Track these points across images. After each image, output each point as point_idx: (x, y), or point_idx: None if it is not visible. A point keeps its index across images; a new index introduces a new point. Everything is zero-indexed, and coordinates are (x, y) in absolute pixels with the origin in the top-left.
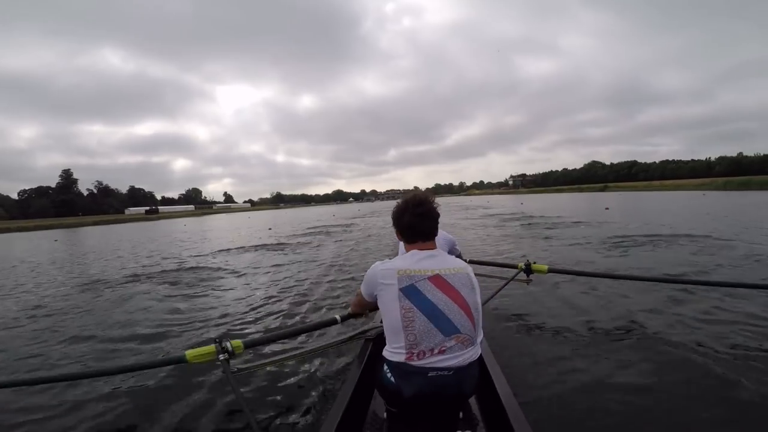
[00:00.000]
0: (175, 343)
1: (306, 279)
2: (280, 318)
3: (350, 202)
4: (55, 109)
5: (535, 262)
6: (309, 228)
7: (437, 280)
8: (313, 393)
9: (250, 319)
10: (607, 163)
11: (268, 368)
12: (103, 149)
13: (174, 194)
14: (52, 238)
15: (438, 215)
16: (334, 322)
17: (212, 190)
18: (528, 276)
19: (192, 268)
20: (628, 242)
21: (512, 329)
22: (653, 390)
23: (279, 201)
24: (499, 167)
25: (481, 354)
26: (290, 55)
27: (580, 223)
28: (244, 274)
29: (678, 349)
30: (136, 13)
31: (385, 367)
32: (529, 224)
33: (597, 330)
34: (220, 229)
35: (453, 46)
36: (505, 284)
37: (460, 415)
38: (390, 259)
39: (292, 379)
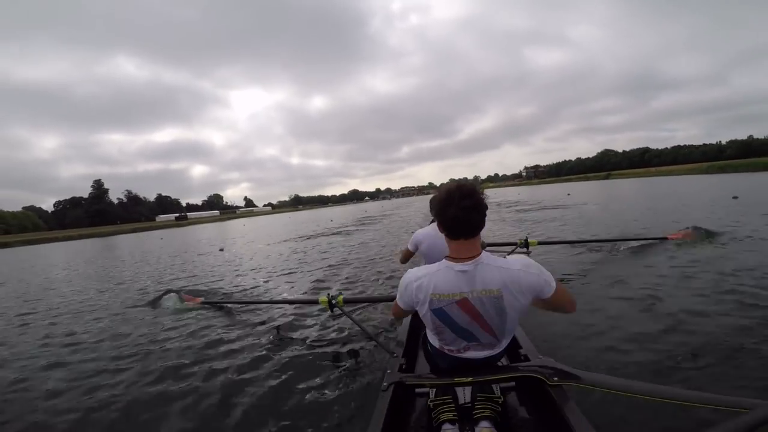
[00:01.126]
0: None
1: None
2: (374, 283)
3: (366, 201)
4: (74, 119)
5: (528, 238)
6: (360, 218)
7: (464, 303)
8: (387, 332)
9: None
10: (620, 150)
11: (353, 315)
12: (124, 158)
13: (196, 200)
14: (131, 241)
15: (486, 207)
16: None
17: (231, 195)
18: (527, 249)
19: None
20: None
21: None
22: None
23: (297, 203)
24: (514, 158)
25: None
26: (300, 57)
27: (526, 203)
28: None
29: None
30: (148, 20)
31: (429, 340)
32: (498, 204)
33: (580, 282)
34: (282, 224)
35: (462, 41)
36: (511, 253)
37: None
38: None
39: (372, 318)
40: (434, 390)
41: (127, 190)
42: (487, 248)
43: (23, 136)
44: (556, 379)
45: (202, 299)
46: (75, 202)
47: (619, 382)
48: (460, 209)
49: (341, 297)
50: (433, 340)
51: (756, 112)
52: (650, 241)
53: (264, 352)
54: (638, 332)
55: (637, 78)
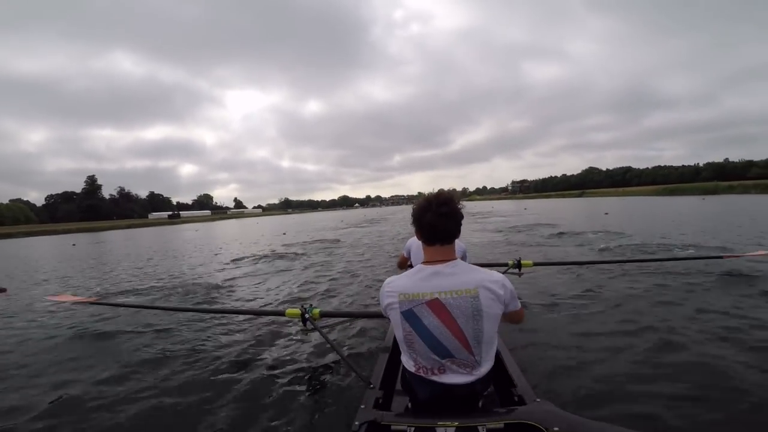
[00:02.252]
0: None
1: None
2: (352, 297)
3: (356, 207)
4: (65, 113)
5: (521, 259)
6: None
7: (435, 304)
8: (365, 357)
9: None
10: (604, 169)
11: (329, 335)
12: (111, 154)
13: (185, 199)
14: (119, 238)
15: (462, 217)
16: (380, 315)
17: (219, 196)
18: (519, 270)
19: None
20: (478, 219)
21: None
22: (626, 351)
23: (287, 206)
24: (503, 172)
25: (503, 360)
26: (299, 60)
27: (491, 214)
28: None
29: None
30: (150, 17)
31: (402, 367)
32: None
33: (582, 310)
34: (285, 224)
35: (460, 52)
36: None
37: (480, 403)
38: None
39: (349, 334)
40: (413, 429)
41: (119, 187)
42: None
43: (11, 128)
44: (556, 429)
45: (89, 299)
46: (67, 196)
47: None
48: (436, 216)
49: (317, 310)
50: (408, 360)
51: (743, 134)
52: (701, 259)
53: (206, 377)
54: (653, 373)
55: (630, 95)
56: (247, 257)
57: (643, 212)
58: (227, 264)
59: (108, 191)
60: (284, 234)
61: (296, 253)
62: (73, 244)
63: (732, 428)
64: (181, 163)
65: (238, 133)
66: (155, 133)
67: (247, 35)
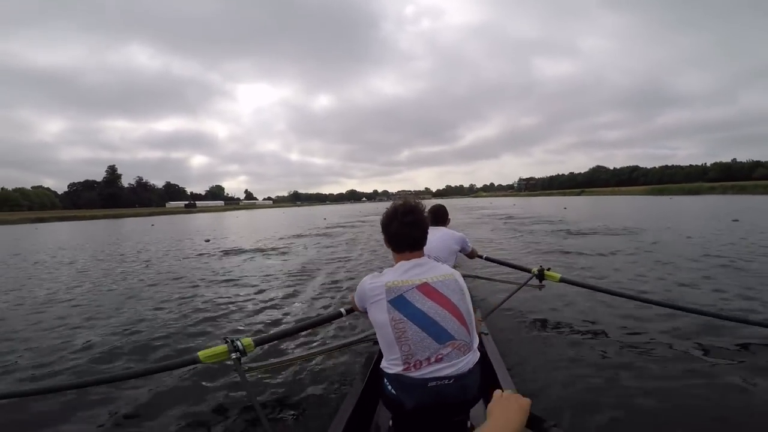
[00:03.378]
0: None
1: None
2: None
3: (363, 201)
4: (81, 105)
5: (549, 269)
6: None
7: (425, 288)
8: (323, 390)
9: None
10: (611, 168)
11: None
12: (125, 144)
13: (196, 190)
14: (145, 224)
15: (427, 225)
16: (339, 315)
17: (228, 187)
18: (540, 282)
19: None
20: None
21: (520, 332)
22: (655, 395)
23: (296, 199)
24: (511, 168)
25: (488, 357)
26: (310, 55)
27: (484, 208)
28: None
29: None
30: (166, 11)
31: (385, 380)
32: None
33: (604, 340)
34: (311, 214)
35: (471, 48)
36: (517, 290)
37: (469, 424)
38: (381, 271)
39: (301, 375)
40: None
41: (138, 177)
42: (487, 259)
43: (29, 118)
44: None
45: None
46: (88, 184)
47: None
48: (401, 224)
49: (248, 339)
50: (393, 361)
51: (760, 133)
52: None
53: None
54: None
55: (642, 93)
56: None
57: (603, 209)
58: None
59: (130, 181)
60: (325, 219)
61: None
62: (152, 225)
63: None
64: (193, 155)
65: (248, 126)
66: (168, 124)
67: (259, 30)
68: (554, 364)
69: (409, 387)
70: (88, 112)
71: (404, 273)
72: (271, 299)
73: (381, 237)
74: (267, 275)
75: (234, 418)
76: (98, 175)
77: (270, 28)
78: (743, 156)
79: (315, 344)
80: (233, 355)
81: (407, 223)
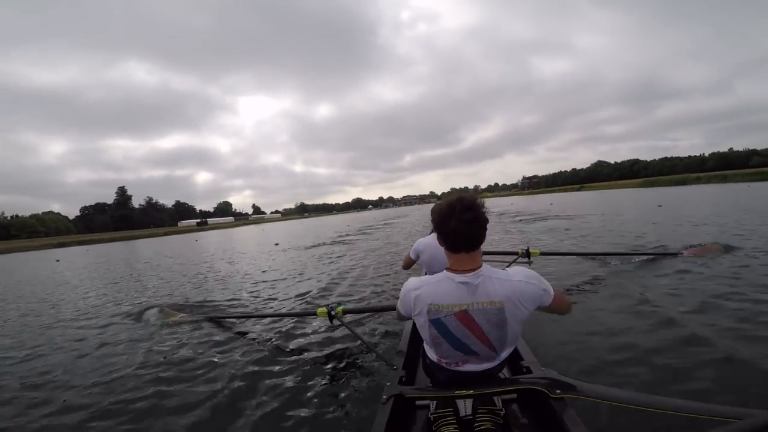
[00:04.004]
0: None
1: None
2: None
3: (369, 209)
4: (83, 124)
5: (529, 248)
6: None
7: (463, 316)
8: (387, 345)
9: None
10: (612, 162)
11: (346, 332)
12: (129, 163)
13: (204, 207)
14: (184, 240)
15: (487, 221)
16: (394, 308)
17: (234, 202)
18: (529, 259)
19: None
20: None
21: None
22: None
23: (303, 211)
24: (516, 168)
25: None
26: (309, 65)
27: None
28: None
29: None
30: (161, 26)
31: (426, 357)
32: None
33: (582, 295)
34: (324, 224)
35: (468, 50)
36: (508, 266)
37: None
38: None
39: (373, 330)
40: (435, 403)
41: (148, 197)
42: (487, 256)
43: (32, 141)
44: (558, 391)
45: (183, 315)
46: (99, 207)
47: (622, 394)
48: (461, 222)
49: (340, 308)
50: (431, 353)
51: (761, 121)
52: (663, 257)
53: (258, 368)
54: (642, 345)
55: (641, 87)
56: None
57: (581, 202)
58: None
59: (139, 201)
60: (348, 225)
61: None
62: (196, 240)
63: (707, 381)
64: (197, 171)
65: (250, 140)
66: (170, 141)
67: (256, 41)
68: (548, 326)
69: (440, 370)
70: (89, 132)
71: (450, 292)
72: (351, 268)
73: (410, 230)
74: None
75: (327, 348)
76: (104, 196)
77: (267, 40)
78: (745, 144)
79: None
80: (332, 313)
81: (467, 221)
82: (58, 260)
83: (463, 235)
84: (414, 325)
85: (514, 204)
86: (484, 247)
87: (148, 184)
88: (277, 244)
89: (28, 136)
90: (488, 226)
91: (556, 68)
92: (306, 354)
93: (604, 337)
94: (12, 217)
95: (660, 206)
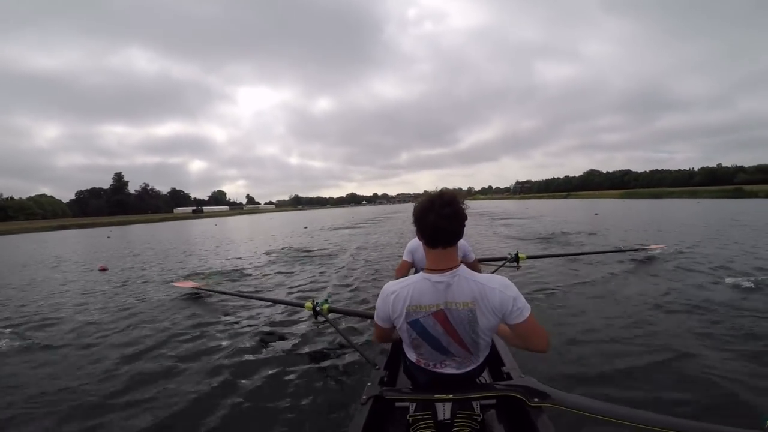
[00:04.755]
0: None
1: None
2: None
3: (364, 204)
4: (79, 110)
5: (518, 252)
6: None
7: (440, 316)
8: (370, 345)
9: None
10: (604, 171)
11: (331, 329)
12: (122, 150)
13: (197, 195)
14: (204, 225)
15: (466, 218)
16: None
17: (228, 192)
18: (517, 263)
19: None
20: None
21: None
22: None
23: (297, 203)
24: (511, 171)
25: (494, 344)
26: (310, 58)
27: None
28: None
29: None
30: (167, 14)
31: (405, 359)
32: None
33: (566, 295)
34: (325, 216)
35: (473, 51)
36: (496, 270)
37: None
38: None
39: (356, 329)
40: (414, 405)
41: (144, 183)
42: (480, 261)
43: (25, 124)
44: (536, 400)
45: (193, 284)
46: (95, 192)
47: (600, 406)
48: (440, 217)
49: (326, 305)
50: (410, 353)
51: (759, 137)
52: (631, 252)
53: (244, 352)
54: (624, 351)
55: (643, 97)
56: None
57: (554, 209)
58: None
59: (135, 188)
60: (353, 217)
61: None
62: (215, 224)
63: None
64: (191, 159)
65: (247, 130)
66: (166, 129)
67: (260, 32)
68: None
69: (420, 371)
70: (84, 117)
71: (427, 292)
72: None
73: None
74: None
75: (310, 344)
76: (96, 181)
77: (270, 30)
78: (740, 160)
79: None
80: (317, 309)
81: (445, 216)
82: (108, 237)
83: (440, 229)
84: None
85: (499, 207)
86: (477, 253)
87: (141, 170)
88: (305, 227)
89: (22, 119)
90: (475, 225)
91: (561, 74)
92: (290, 347)
93: (587, 342)
94: (8, 198)
95: (597, 214)
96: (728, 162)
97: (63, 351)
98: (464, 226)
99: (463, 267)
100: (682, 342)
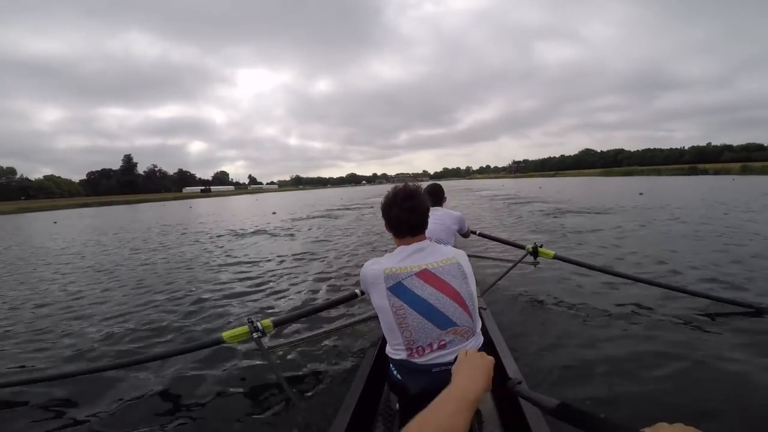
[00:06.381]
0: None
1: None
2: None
3: (363, 184)
4: (79, 93)
5: (542, 246)
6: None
7: (425, 274)
8: (339, 366)
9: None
10: (598, 150)
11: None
12: (122, 132)
13: (200, 175)
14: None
15: (427, 209)
16: (354, 296)
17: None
18: (535, 259)
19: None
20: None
21: (516, 307)
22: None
23: (298, 183)
24: (510, 150)
25: (488, 333)
26: (310, 39)
27: (471, 189)
28: None
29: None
30: None
31: (391, 366)
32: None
33: (597, 315)
34: (331, 195)
35: (473, 33)
36: (513, 266)
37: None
38: (382, 254)
39: (318, 352)
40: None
41: (152, 164)
42: (488, 241)
43: (25, 107)
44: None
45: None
46: (105, 173)
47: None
48: (401, 210)
49: (267, 321)
50: (397, 347)
51: (757, 117)
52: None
53: None
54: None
55: (643, 77)
56: None
57: (529, 186)
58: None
59: (143, 168)
60: (368, 198)
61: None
62: (256, 199)
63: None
64: (191, 141)
65: (247, 112)
66: (166, 111)
67: (259, 13)
68: (547, 338)
69: (413, 372)
70: (85, 100)
71: (403, 259)
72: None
73: None
74: None
75: (256, 391)
76: (98, 163)
77: (271, 12)
78: (743, 138)
79: (330, 323)
80: (255, 335)
81: (406, 209)
82: (191, 206)
83: (402, 221)
84: (378, 352)
85: (488, 185)
86: (487, 231)
87: (141, 152)
88: (341, 199)
89: (21, 102)
90: (458, 195)
91: (561, 55)
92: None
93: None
94: (22, 177)
95: (540, 188)
96: (731, 141)
97: None
98: (427, 217)
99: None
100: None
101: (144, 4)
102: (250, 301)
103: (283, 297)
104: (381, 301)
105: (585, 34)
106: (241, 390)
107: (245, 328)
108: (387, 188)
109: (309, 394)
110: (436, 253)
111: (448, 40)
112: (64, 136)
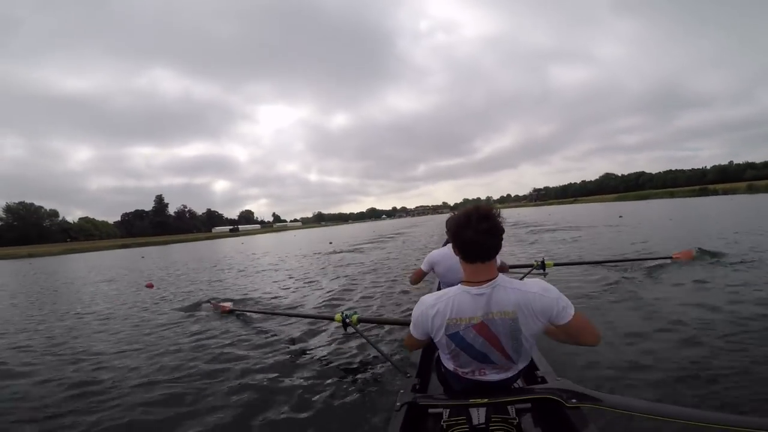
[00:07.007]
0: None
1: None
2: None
3: (384, 219)
4: (108, 132)
5: (544, 259)
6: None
7: (481, 327)
8: (400, 353)
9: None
10: (620, 174)
11: (361, 340)
12: (150, 171)
13: (226, 215)
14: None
15: (503, 231)
16: (407, 323)
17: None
18: (544, 271)
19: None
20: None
21: None
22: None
23: (320, 220)
24: (530, 178)
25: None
26: (326, 74)
27: None
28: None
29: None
30: (188, 34)
31: (442, 365)
32: None
33: (597, 302)
34: (356, 230)
35: (486, 59)
36: (524, 276)
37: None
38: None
39: (386, 338)
40: (448, 411)
41: (182, 205)
42: (511, 268)
43: (60, 147)
44: (574, 401)
45: (231, 305)
46: (138, 214)
47: (641, 404)
48: (477, 232)
49: (356, 316)
50: (447, 363)
51: None
52: (658, 261)
53: (279, 366)
54: (655, 351)
55: (661, 96)
56: None
57: (543, 214)
58: None
59: (173, 209)
60: (394, 230)
61: None
62: (294, 235)
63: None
64: (215, 179)
65: (268, 148)
66: (191, 150)
67: (276, 51)
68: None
69: (457, 379)
70: (114, 139)
71: (466, 307)
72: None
73: (426, 241)
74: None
75: (341, 355)
76: (127, 204)
77: (288, 49)
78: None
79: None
80: (347, 320)
81: (483, 231)
82: (243, 243)
83: (478, 244)
84: None
85: (505, 214)
86: (506, 262)
87: (168, 191)
88: (374, 231)
89: (57, 142)
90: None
91: (575, 77)
92: (322, 358)
93: (619, 345)
94: (62, 220)
95: (549, 215)
96: (758, 156)
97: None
98: (501, 239)
99: (501, 276)
100: (716, 343)
101: (166, 43)
102: (355, 296)
103: (372, 302)
104: (439, 340)
105: (597, 54)
106: (332, 348)
107: (341, 316)
108: (408, 221)
109: (380, 360)
110: (500, 301)
111: (461, 67)
112: (95, 176)
